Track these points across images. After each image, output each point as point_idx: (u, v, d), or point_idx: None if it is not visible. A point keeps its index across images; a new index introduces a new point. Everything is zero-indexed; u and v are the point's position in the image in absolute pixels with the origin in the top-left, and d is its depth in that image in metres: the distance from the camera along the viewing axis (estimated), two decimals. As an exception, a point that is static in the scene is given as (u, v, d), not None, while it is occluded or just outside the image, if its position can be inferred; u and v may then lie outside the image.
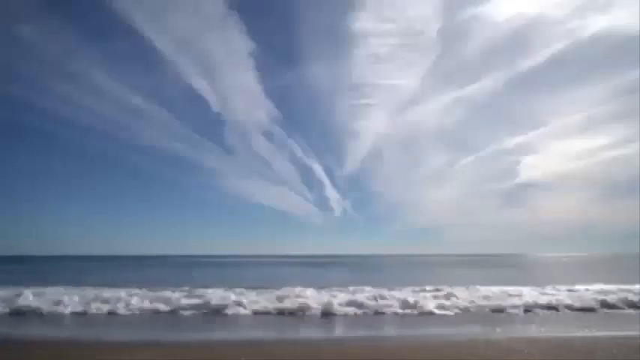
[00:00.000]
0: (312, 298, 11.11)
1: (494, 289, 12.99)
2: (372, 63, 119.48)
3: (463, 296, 11.68)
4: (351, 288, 13.36)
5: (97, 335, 7.73)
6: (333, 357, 6.00)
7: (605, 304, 10.74)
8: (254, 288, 13.22)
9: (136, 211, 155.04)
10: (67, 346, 6.70)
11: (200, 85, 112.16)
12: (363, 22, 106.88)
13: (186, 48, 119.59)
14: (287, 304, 10.53)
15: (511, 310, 10.29)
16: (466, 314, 10.12)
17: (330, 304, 10.23)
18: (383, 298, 11.21)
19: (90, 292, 12.40)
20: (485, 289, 12.96)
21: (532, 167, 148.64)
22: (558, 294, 12.23)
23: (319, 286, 13.43)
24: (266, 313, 10.15)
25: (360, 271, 35.25)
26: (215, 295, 11.39)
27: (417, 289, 13.54)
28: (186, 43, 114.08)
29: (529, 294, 12.20)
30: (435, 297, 11.70)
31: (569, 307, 10.55)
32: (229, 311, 10.09)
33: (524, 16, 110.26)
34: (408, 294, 11.98)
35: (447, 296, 11.67)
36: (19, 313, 10.08)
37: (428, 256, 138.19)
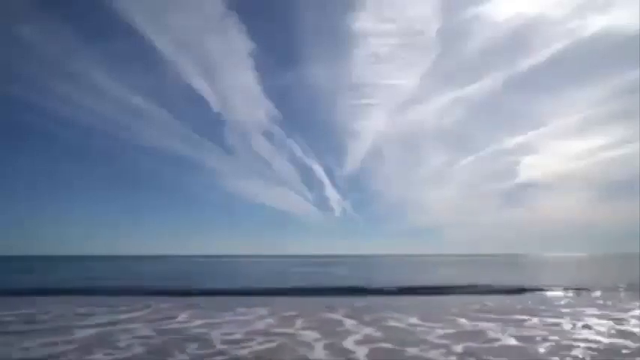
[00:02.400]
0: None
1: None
2: (372, 63, 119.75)
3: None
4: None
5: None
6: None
7: None
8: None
9: (135, 211, 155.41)
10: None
11: (200, 85, 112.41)
12: (363, 22, 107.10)
13: (186, 48, 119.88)
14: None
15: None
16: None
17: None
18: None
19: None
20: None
21: (532, 167, 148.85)
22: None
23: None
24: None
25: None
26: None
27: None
28: (186, 43, 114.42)
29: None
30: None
31: None
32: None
33: (524, 16, 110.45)
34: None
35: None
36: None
37: (428, 256, 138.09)
